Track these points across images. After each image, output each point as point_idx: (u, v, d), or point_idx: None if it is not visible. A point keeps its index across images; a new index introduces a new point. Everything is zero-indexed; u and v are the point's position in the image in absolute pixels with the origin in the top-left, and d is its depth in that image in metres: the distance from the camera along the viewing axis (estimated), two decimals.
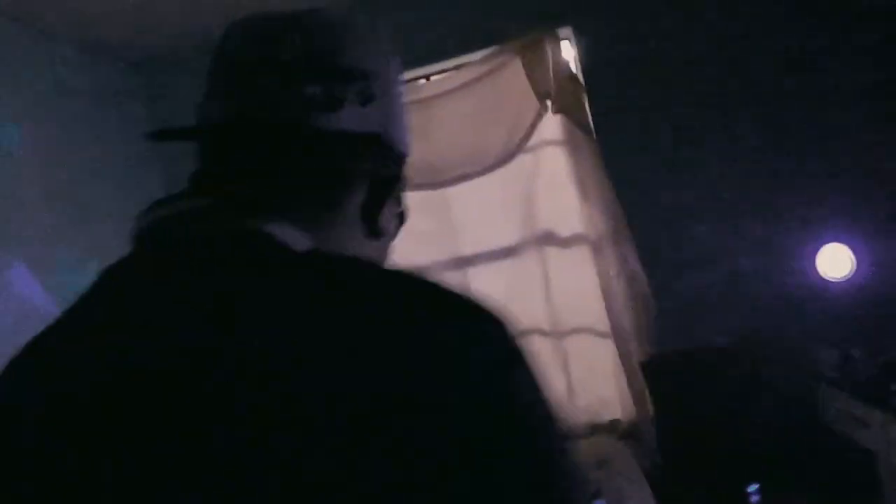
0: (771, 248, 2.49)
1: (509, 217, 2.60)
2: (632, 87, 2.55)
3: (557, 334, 2.59)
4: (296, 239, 0.51)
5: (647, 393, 2.48)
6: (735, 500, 2.30)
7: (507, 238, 2.62)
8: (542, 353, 2.60)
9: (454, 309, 0.50)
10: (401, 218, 0.67)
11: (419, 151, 2.45)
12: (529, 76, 2.52)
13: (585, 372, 2.59)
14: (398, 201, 0.65)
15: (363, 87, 0.57)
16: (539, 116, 2.53)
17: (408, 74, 2.63)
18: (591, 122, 2.54)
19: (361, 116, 0.57)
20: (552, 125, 2.56)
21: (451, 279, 2.65)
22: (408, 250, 2.60)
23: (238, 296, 0.47)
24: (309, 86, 0.56)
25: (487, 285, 2.63)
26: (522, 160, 2.57)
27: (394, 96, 0.61)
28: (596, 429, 2.53)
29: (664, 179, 2.53)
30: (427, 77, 2.67)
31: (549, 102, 2.53)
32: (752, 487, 2.31)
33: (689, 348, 2.49)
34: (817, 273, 2.44)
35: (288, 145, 0.57)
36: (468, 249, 2.65)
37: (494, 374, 0.46)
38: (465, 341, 0.46)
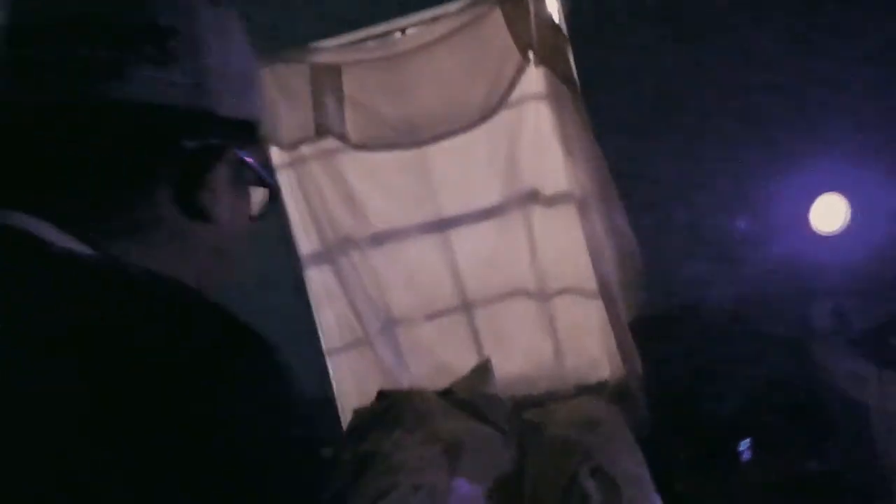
0: (764, 200, 2.40)
1: (492, 176, 2.51)
2: (617, 38, 2.42)
3: (543, 295, 2.53)
4: (51, 234, 0.47)
5: (636, 353, 2.42)
6: (727, 458, 2.27)
7: (490, 198, 2.52)
8: (528, 315, 2.54)
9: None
10: (269, 190, 0.61)
11: (396, 109, 2.34)
12: (510, 27, 2.38)
13: (573, 333, 2.53)
14: (243, 172, 0.57)
15: (158, 50, 0.50)
16: (521, 70, 2.41)
17: (381, 28, 2.50)
18: (575, 75, 2.41)
19: (158, 83, 0.50)
20: (535, 79, 2.44)
21: (433, 242, 2.56)
22: (387, 212, 2.55)
23: None
24: (84, 52, 0.49)
25: (470, 247, 2.54)
26: (504, 116, 2.45)
27: (212, 53, 0.53)
28: (584, 390, 2.48)
29: (651, 133, 2.43)
30: (402, 30, 2.53)
31: (531, 55, 2.40)
32: (744, 444, 2.27)
33: (678, 306, 2.43)
34: (811, 226, 2.36)
35: (62, 126, 0.50)
36: (449, 210, 2.55)
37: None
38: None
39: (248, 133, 0.58)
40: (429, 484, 1.92)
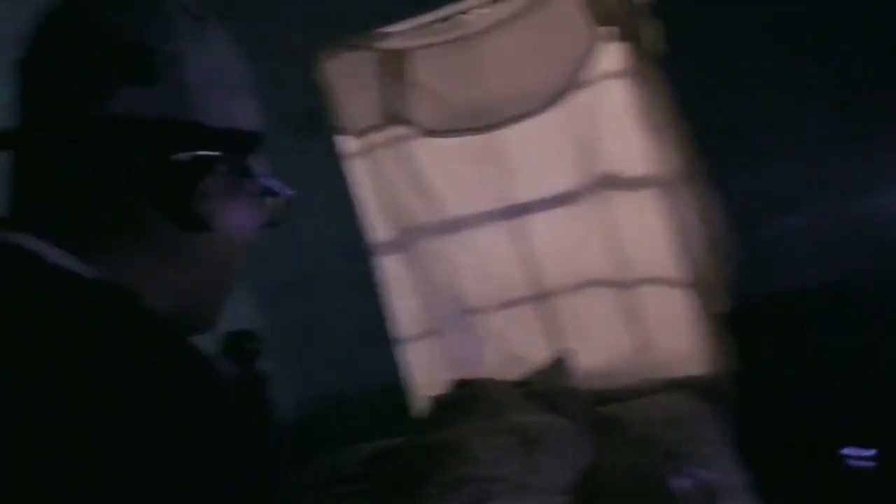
0: (864, 185, 2.16)
1: (567, 160, 2.39)
2: (705, 7, 2.24)
3: (624, 285, 2.38)
4: (43, 248, 0.49)
5: (728, 346, 2.24)
6: (829, 464, 2.06)
7: (566, 182, 2.40)
8: (610, 306, 2.40)
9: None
10: (271, 197, 0.61)
11: (466, 93, 2.26)
12: (586, 1, 2.26)
13: (656, 325, 2.37)
14: (242, 181, 0.58)
15: (136, 66, 0.51)
16: (598, 46, 2.28)
17: (447, 9, 2.43)
18: (658, 49, 2.26)
19: (138, 98, 0.51)
20: (613, 55, 2.30)
21: (506, 229, 2.48)
22: (460, 200, 2.48)
23: None
24: (66, 74, 0.51)
25: (545, 234, 2.44)
26: (580, 96, 2.33)
27: (195, 64, 0.53)
28: (668, 386, 2.32)
29: (743, 112, 2.24)
30: (470, 11, 2.45)
31: (608, 29, 2.26)
32: (849, 450, 2.05)
33: (775, 296, 2.22)
34: None
35: (48, 147, 0.52)
36: (523, 196, 2.46)
37: None
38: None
39: (242, 142, 0.58)
40: (505, 476, 1.84)
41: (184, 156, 0.53)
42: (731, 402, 2.23)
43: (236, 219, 0.58)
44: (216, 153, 0.54)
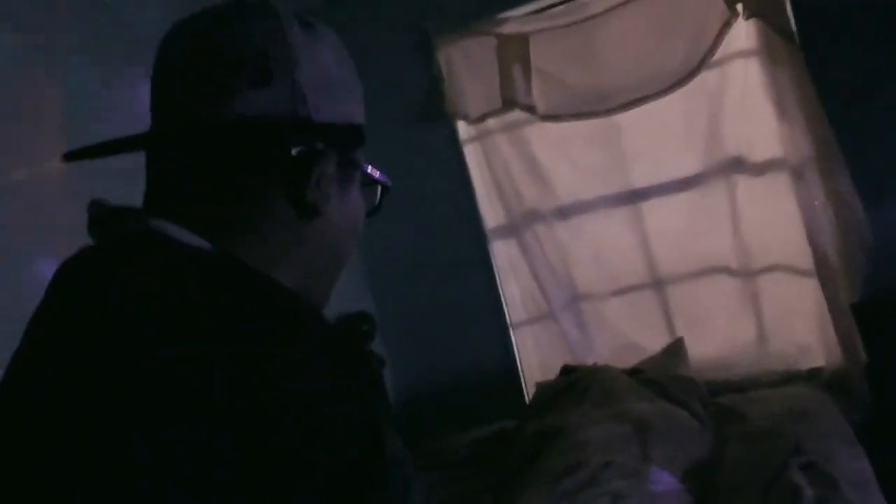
0: None
1: (690, 143, 2.33)
2: None
3: (748, 273, 2.31)
4: (183, 234, 0.54)
5: (857, 338, 2.14)
6: None
7: (688, 167, 2.34)
8: (728, 295, 2.34)
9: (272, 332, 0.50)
10: (375, 186, 0.67)
11: (585, 77, 2.24)
12: None
13: (780, 314, 2.30)
14: (352, 171, 0.63)
15: (255, 70, 0.57)
16: (728, 24, 2.18)
17: None
18: (794, 26, 2.13)
19: (258, 100, 0.57)
20: (743, 33, 2.20)
21: (622, 215, 2.45)
22: (574, 185, 2.47)
23: (101, 301, 0.51)
24: (195, 82, 0.57)
25: (664, 220, 2.39)
26: (705, 77, 2.25)
27: (304, 66, 0.59)
28: (792, 378, 2.25)
29: (882, 92, 2.08)
30: None
31: (739, 6, 2.16)
32: None
33: None
34: None
35: (184, 147, 0.58)
36: (641, 182, 2.42)
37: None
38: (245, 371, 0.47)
39: (349, 135, 0.62)
40: (619, 462, 1.86)
41: (299, 149, 0.58)
42: (859, 397, 2.14)
43: (345, 206, 0.62)
44: (327, 146, 0.59)
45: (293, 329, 0.51)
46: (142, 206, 0.60)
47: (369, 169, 0.65)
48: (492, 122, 2.50)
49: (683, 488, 1.85)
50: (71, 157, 0.60)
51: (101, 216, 0.59)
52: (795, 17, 2.14)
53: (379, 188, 0.68)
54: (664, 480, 1.84)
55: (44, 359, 0.52)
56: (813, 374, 2.24)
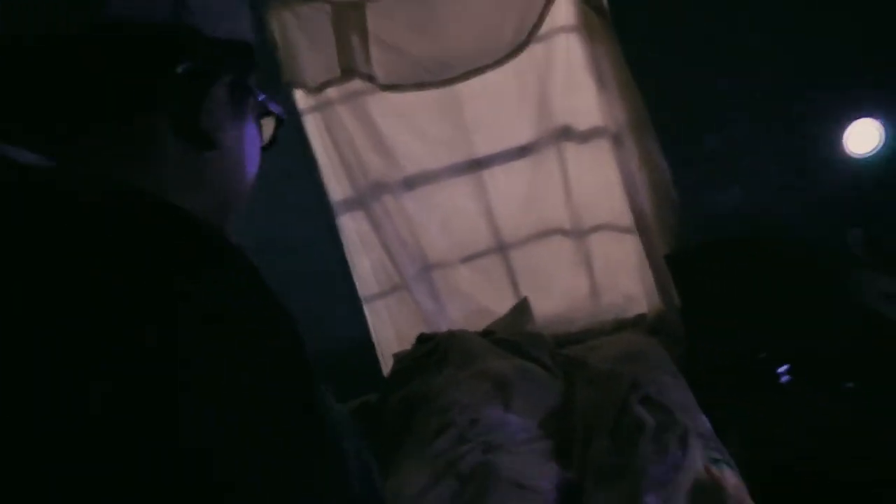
0: (798, 129, 2.30)
1: (524, 113, 2.39)
2: None
3: (579, 233, 2.44)
4: (25, 157, 0.42)
5: (672, 286, 2.35)
6: (766, 383, 2.22)
7: (523, 136, 2.40)
8: (564, 254, 2.45)
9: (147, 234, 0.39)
10: (273, 116, 0.56)
11: (423, 47, 2.18)
12: None
13: (609, 269, 2.45)
14: (244, 97, 0.52)
15: None
16: (551, 1, 2.26)
17: None
18: (606, 4, 2.27)
19: (134, 5, 0.45)
20: (565, 10, 2.29)
21: (466, 183, 2.44)
22: (418, 155, 2.41)
23: None
24: None
25: (505, 187, 2.43)
26: (535, 50, 2.32)
27: None
28: (622, 325, 2.42)
29: (686, 63, 2.31)
30: None
31: None
32: (782, 368, 2.22)
33: (713, 239, 2.35)
34: (845, 151, 2.27)
35: (39, 59, 0.45)
36: (482, 151, 2.43)
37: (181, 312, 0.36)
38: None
39: (241, 56, 0.52)
40: (484, 417, 1.85)
41: (186, 67, 0.46)
42: (676, 336, 2.35)
43: (241, 137, 0.52)
44: (217, 66, 0.49)
45: (204, 252, 0.40)
46: None
47: (262, 97, 0.54)
48: (332, 92, 2.35)
49: (543, 433, 1.89)
50: None
51: None
52: None
53: (274, 120, 0.57)
54: (526, 427, 1.87)
55: None
56: (639, 321, 2.42)
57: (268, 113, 0.56)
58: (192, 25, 0.47)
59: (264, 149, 0.56)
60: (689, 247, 2.36)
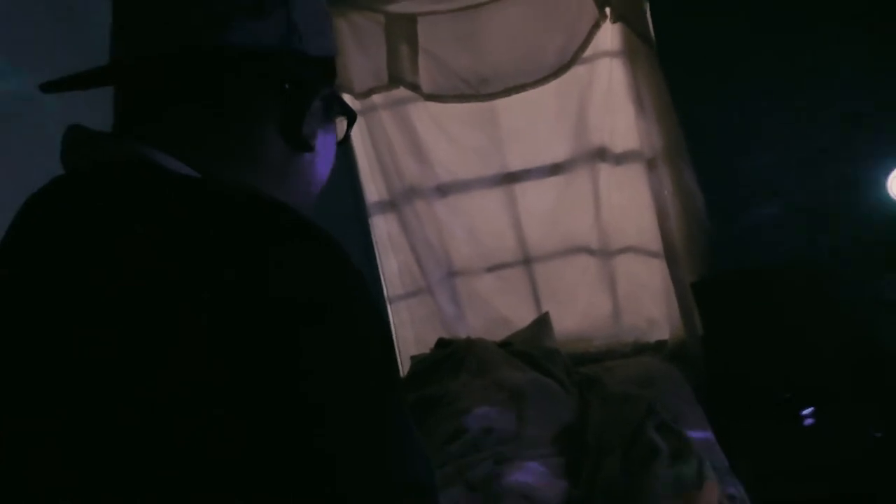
0: (838, 170, 2.17)
1: (560, 132, 2.31)
2: None
3: (606, 253, 2.33)
4: (170, 163, 0.48)
5: (696, 314, 2.22)
6: (788, 424, 2.07)
7: (557, 153, 2.32)
8: (589, 273, 2.35)
9: (281, 233, 0.45)
10: (348, 117, 0.61)
11: (469, 61, 2.13)
12: None
13: (633, 292, 2.33)
14: (331, 104, 0.58)
15: (251, 1, 0.51)
16: (597, 25, 2.20)
17: None
18: (652, 32, 2.20)
19: (255, 30, 0.51)
20: (609, 35, 2.22)
21: (497, 195, 2.38)
22: (453, 164, 2.36)
23: (91, 225, 0.45)
24: (188, 10, 0.51)
25: (535, 201, 2.35)
26: (576, 72, 2.24)
27: (298, 2, 0.54)
28: (642, 349, 2.29)
29: (727, 94, 2.21)
30: None
31: (607, 10, 2.19)
32: (807, 411, 2.07)
33: (743, 269, 2.22)
34: (887, 195, 2.13)
35: (174, 76, 0.52)
36: (515, 165, 2.36)
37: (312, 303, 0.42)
38: (285, 269, 0.42)
39: (332, 68, 0.58)
40: (498, 428, 1.76)
41: (294, 82, 0.53)
42: (697, 365, 2.22)
43: (327, 139, 0.58)
44: (318, 78, 0.55)
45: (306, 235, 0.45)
46: (119, 132, 0.52)
47: (342, 100, 0.60)
48: (377, 98, 2.32)
49: (555, 449, 1.79)
50: (49, 87, 0.51)
51: (82, 141, 0.50)
52: (654, 24, 2.21)
53: (346, 119, 0.62)
54: (538, 442, 1.77)
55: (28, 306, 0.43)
56: (659, 346, 2.30)
57: (345, 113, 0.60)
58: (298, 47, 0.53)
59: (339, 144, 0.61)
60: (717, 276, 2.23)
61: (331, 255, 0.45)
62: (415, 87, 2.27)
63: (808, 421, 2.07)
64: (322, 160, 0.58)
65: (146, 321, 0.40)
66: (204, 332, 0.39)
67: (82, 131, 0.51)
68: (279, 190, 0.53)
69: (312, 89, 0.54)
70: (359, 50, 2.27)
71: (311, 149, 0.55)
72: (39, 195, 0.49)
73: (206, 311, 0.40)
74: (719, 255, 2.21)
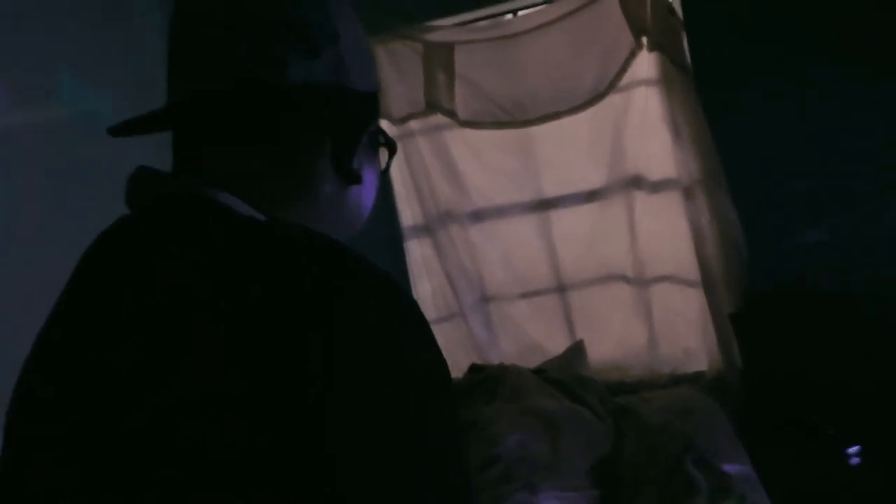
0: (880, 196, 2.10)
1: (595, 159, 2.29)
2: (735, 24, 2.17)
3: (641, 281, 2.28)
4: (227, 200, 0.49)
5: (735, 345, 2.15)
6: (832, 461, 1.97)
7: (593, 180, 2.30)
8: (624, 301, 2.30)
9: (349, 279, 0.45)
10: (390, 147, 0.62)
11: (505, 89, 2.14)
12: (625, 11, 2.17)
13: (669, 321, 2.28)
14: (376, 137, 0.60)
15: (305, 40, 0.52)
16: (634, 54, 2.19)
17: (494, 9, 2.32)
18: (689, 59, 2.18)
19: (309, 68, 0.53)
20: (646, 63, 2.21)
21: (532, 221, 2.36)
22: (488, 190, 2.35)
23: (158, 268, 0.45)
24: (246, 49, 0.52)
25: (570, 228, 2.33)
26: (612, 100, 2.23)
27: (344, 38, 0.55)
28: (679, 380, 2.22)
29: (765, 123, 2.16)
30: (514, 12, 2.35)
31: (644, 39, 2.18)
32: (853, 449, 1.97)
33: (783, 299, 2.14)
34: None
35: (233, 112, 0.53)
36: (550, 191, 2.34)
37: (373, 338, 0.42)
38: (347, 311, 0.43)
39: (377, 102, 0.60)
40: (532, 457, 1.71)
41: (346, 119, 0.54)
42: (736, 399, 2.14)
43: (372, 171, 0.59)
44: (366, 112, 0.56)
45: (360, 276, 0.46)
46: (181, 171, 0.53)
47: (386, 131, 0.62)
48: (414, 124, 2.34)
49: (590, 480, 1.73)
50: (115, 132, 0.53)
51: (146, 180, 0.52)
52: (691, 51, 2.19)
53: (388, 150, 0.64)
54: (573, 472, 1.72)
55: (98, 347, 0.43)
56: (696, 377, 2.23)
57: (388, 145, 0.61)
58: (349, 85, 0.54)
59: (381, 175, 0.62)
60: (756, 306, 2.16)
61: (389, 286, 0.46)
62: (451, 114, 2.28)
63: (855, 460, 1.97)
64: (368, 191, 0.59)
65: (163, 330, 0.41)
66: (221, 340, 0.39)
67: (146, 171, 0.53)
68: (330, 223, 0.55)
69: (362, 124, 0.56)
70: (397, 77, 2.30)
71: (360, 181, 0.56)
72: (106, 234, 0.51)
73: (224, 321, 0.40)
74: (758, 285, 2.14)
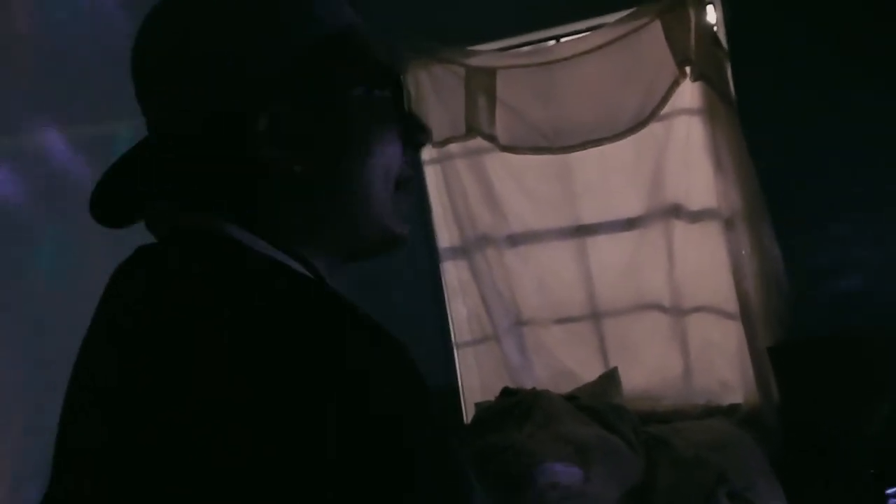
0: None
1: (635, 187, 2.32)
2: (779, 54, 2.18)
3: (678, 311, 2.30)
4: (252, 241, 0.50)
5: (773, 379, 2.15)
6: (870, 501, 1.95)
7: (632, 208, 2.33)
8: (660, 330, 2.31)
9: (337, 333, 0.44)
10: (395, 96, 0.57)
11: (546, 115, 2.18)
12: (669, 40, 2.20)
13: (705, 352, 2.29)
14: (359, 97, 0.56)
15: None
16: (676, 83, 2.22)
17: (537, 35, 2.37)
18: (732, 91, 2.19)
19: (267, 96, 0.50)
20: (689, 93, 2.23)
21: (569, 247, 2.39)
22: (526, 214, 2.39)
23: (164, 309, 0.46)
24: (204, 88, 0.50)
25: (607, 256, 2.35)
26: (654, 128, 2.27)
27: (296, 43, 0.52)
28: (713, 412, 2.23)
29: (810, 155, 2.16)
30: (557, 38, 2.39)
31: (687, 69, 2.20)
32: (892, 490, 1.95)
33: (823, 335, 2.13)
34: None
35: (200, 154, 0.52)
36: (588, 218, 2.38)
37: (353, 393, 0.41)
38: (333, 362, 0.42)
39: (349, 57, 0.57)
40: (565, 484, 1.74)
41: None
42: (773, 434, 2.13)
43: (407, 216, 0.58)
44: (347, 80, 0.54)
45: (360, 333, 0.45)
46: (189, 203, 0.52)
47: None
48: (454, 147, 2.40)
49: None
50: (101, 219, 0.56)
51: (160, 213, 0.53)
52: (735, 82, 2.20)
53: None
54: (605, 501, 1.74)
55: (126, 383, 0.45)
56: (732, 410, 2.23)
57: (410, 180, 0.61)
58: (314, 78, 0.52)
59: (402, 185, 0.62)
60: (795, 341, 2.15)
61: (377, 327, 0.46)
62: (492, 138, 2.33)
63: (894, 501, 1.95)
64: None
65: (170, 342, 0.43)
66: (225, 349, 0.41)
67: (162, 203, 0.53)
68: (337, 215, 0.54)
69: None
70: (437, 100, 2.37)
71: (406, 243, 0.58)
72: (124, 264, 0.53)
73: (228, 329, 0.41)
74: (798, 320, 2.13)
